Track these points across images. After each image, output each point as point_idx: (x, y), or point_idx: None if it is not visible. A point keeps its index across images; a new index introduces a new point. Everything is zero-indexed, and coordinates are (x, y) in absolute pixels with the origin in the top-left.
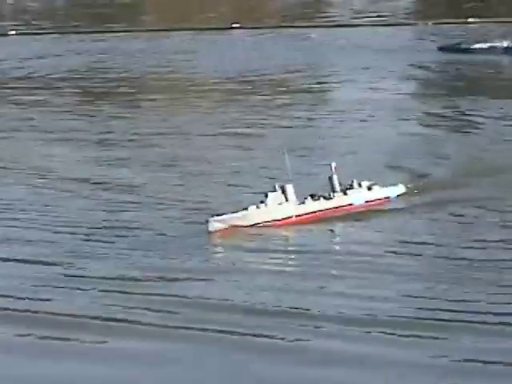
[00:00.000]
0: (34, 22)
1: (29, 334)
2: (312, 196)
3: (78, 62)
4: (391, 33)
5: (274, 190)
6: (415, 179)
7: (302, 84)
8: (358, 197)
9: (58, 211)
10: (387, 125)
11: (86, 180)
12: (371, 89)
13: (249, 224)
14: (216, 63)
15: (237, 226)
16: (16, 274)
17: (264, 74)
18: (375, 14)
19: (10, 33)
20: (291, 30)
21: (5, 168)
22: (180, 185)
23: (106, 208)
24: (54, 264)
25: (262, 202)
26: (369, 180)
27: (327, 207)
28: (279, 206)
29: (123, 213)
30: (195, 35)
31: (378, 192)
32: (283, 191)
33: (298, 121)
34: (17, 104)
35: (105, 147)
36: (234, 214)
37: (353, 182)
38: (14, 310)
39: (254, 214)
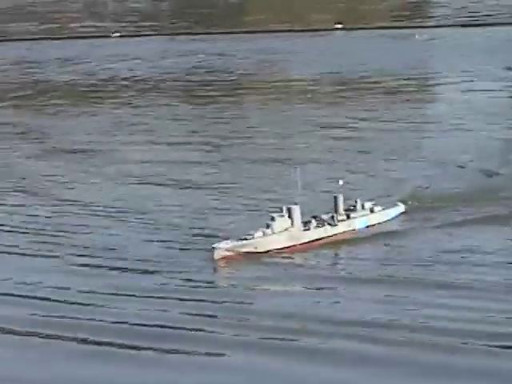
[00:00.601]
0: (138, 24)
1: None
2: (315, 218)
3: (182, 63)
4: (494, 33)
5: (281, 212)
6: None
7: (403, 85)
8: (361, 221)
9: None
10: (483, 129)
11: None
12: (471, 91)
13: (255, 251)
14: (316, 64)
15: (244, 253)
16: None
17: (363, 77)
18: (480, 14)
19: (113, 35)
20: (395, 30)
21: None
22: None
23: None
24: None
25: (268, 225)
26: (370, 200)
27: (331, 234)
28: (285, 234)
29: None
30: (298, 36)
31: (380, 215)
32: (289, 214)
33: (400, 122)
34: (132, 107)
35: (211, 148)
36: (240, 242)
37: (356, 202)
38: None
39: (260, 242)
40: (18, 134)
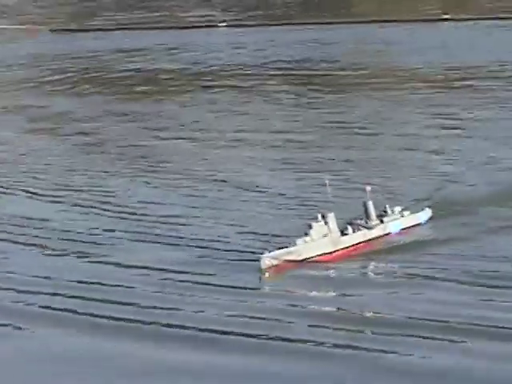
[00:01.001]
0: (245, 14)
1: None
2: (350, 224)
3: (291, 52)
4: None
5: (317, 219)
6: None
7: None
8: (395, 225)
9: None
10: None
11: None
12: None
13: (300, 259)
14: (423, 54)
15: (288, 261)
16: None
17: (470, 67)
18: None
19: (220, 24)
20: (506, 21)
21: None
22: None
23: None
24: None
25: (306, 234)
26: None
27: (369, 238)
28: (325, 240)
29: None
30: (404, 26)
31: (411, 218)
32: (325, 221)
33: None
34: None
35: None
36: (284, 250)
37: (386, 207)
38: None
39: (303, 249)
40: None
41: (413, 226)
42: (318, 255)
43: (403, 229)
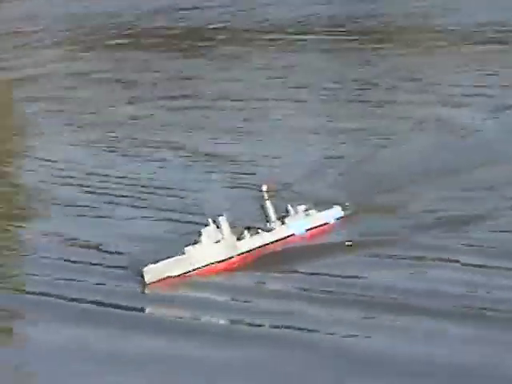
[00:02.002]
0: None
1: None
2: (248, 229)
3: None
4: None
5: (208, 225)
6: None
7: None
8: (299, 225)
9: None
10: None
11: None
12: None
13: (188, 270)
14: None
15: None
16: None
17: None
18: None
19: None
20: None
21: None
22: None
23: None
24: None
25: (195, 242)
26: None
27: (269, 241)
28: (218, 246)
29: None
30: None
31: (317, 218)
32: (217, 226)
33: None
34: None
35: None
36: (172, 259)
37: (287, 207)
38: None
39: (193, 258)
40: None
41: (320, 226)
42: (210, 263)
43: (309, 229)
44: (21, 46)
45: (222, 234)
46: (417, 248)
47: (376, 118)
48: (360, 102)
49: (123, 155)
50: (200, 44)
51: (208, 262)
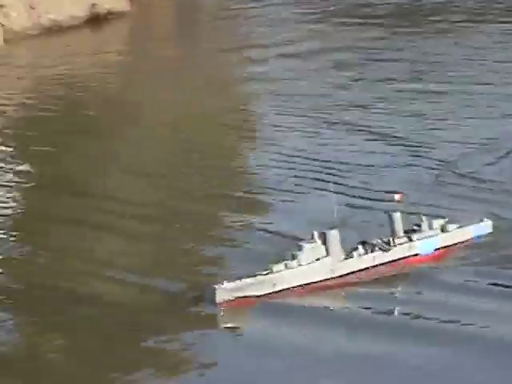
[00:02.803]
0: None
1: None
2: (363, 244)
3: None
4: None
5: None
6: None
7: None
8: (427, 244)
9: None
10: None
11: None
12: None
13: (270, 291)
14: None
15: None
16: None
17: None
18: None
19: None
20: None
21: None
22: None
23: None
24: None
25: (293, 256)
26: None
27: (383, 261)
28: (314, 266)
29: None
30: None
31: (454, 235)
32: (324, 241)
33: None
34: None
35: None
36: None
37: (422, 220)
38: None
39: (278, 278)
40: None
41: (456, 244)
42: (300, 285)
43: (439, 249)
44: None
45: (328, 251)
46: None
47: None
48: None
49: None
50: None
51: (295, 285)
